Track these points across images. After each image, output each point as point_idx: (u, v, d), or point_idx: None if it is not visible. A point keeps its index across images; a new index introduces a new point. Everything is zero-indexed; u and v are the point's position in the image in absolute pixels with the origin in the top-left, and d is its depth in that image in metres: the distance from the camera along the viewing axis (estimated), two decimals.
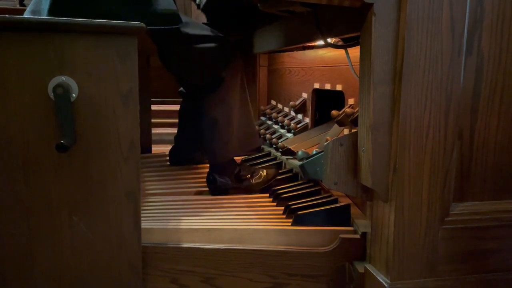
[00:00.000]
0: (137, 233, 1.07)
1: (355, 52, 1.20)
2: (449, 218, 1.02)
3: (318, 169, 1.16)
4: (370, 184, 1.01)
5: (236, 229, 1.19)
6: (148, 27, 1.21)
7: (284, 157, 1.84)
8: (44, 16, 1.17)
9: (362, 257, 1.15)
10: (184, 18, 1.39)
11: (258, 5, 1.22)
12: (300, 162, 1.23)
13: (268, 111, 2.27)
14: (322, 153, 1.11)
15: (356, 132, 1.07)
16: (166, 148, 2.01)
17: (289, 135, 1.92)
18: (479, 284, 1.06)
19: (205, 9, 1.90)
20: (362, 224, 1.19)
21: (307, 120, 1.86)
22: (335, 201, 1.36)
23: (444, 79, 0.96)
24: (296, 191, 1.52)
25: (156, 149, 2.18)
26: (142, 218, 1.08)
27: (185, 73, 1.56)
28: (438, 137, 0.98)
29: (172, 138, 1.89)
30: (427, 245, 1.02)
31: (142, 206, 1.09)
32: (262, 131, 2.15)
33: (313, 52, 1.85)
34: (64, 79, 0.97)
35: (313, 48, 1.86)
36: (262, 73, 2.39)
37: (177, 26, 1.32)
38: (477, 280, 1.05)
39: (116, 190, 1.04)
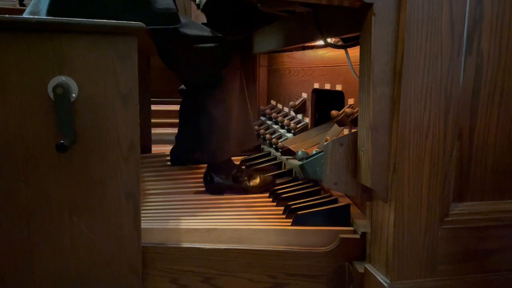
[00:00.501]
0: (137, 233, 1.07)
1: (355, 52, 1.20)
2: (449, 218, 1.02)
3: (318, 169, 1.16)
4: (370, 184, 1.01)
5: (235, 229, 1.19)
6: (147, 27, 1.21)
7: (284, 157, 1.84)
8: (43, 17, 1.17)
9: (362, 257, 1.15)
10: (183, 19, 1.39)
11: (258, 5, 1.22)
12: (300, 162, 1.23)
13: (268, 111, 2.27)
14: (322, 153, 1.11)
15: (356, 132, 1.07)
16: (166, 148, 2.01)
17: (289, 135, 1.92)
18: (479, 284, 1.06)
19: (204, 9, 1.91)
20: (361, 224, 1.19)
21: (307, 120, 1.86)
22: (335, 201, 1.36)
23: (443, 79, 0.96)
24: (296, 191, 1.52)
25: (156, 149, 2.18)
26: (142, 218, 1.08)
27: (184, 72, 1.56)
28: (437, 137, 0.98)
29: (172, 138, 1.89)
30: (427, 245, 1.02)
31: (142, 206, 1.09)
32: (262, 131, 2.15)
33: (313, 52, 1.85)
34: (64, 79, 0.97)
35: (313, 48, 1.86)
36: (262, 73, 2.39)
37: (176, 26, 1.32)
38: (477, 280, 1.06)
39: (116, 190, 1.04)
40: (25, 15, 1.24)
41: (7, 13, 1.00)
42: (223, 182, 1.59)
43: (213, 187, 1.60)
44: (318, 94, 1.84)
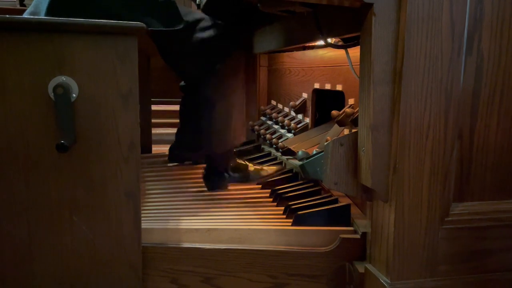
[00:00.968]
0: (137, 233, 1.07)
1: (355, 52, 1.20)
2: (449, 218, 1.02)
3: (318, 169, 1.16)
4: (370, 184, 1.01)
5: (236, 229, 1.19)
6: (149, 28, 1.21)
7: (284, 157, 1.84)
8: (43, 17, 1.17)
9: (362, 257, 1.15)
10: (182, 9, 1.38)
11: (258, 5, 1.22)
12: (300, 162, 1.23)
13: (268, 111, 2.27)
14: (322, 153, 1.11)
15: (356, 132, 1.07)
16: (166, 148, 2.01)
17: (289, 135, 1.92)
18: (479, 284, 1.06)
19: (205, 10, 1.90)
20: (362, 224, 1.19)
21: (307, 120, 1.86)
22: (335, 201, 1.36)
23: (444, 79, 0.96)
24: (296, 191, 1.52)
25: (156, 149, 2.18)
26: (142, 218, 1.08)
27: (185, 66, 1.53)
28: (438, 137, 0.98)
29: (172, 138, 1.89)
30: (427, 245, 1.02)
31: (142, 206, 1.09)
32: (262, 131, 2.15)
33: (313, 52, 1.85)
34: (64, 79, 0.97)
35: (313, 48, 1.86)
36: (262, 73, 2.39)
37: (179, 28, 1.32)
38: (477, 280, 1.05)
39: (116, 190, 1.04)
40: (26, 15, 1.24)
41: (7, 13, 1.00)
42: (224, 177, 1.59)
43: (213, 183, 1.59)
44: (319, 94, 1.84)
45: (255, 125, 2.23)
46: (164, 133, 2.61)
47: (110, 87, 1.00)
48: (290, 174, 1.71)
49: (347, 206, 1.29)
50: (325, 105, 1.81)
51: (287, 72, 2.12)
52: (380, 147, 0.99)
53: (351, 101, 1.46)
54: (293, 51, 2.04)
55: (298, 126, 1.87)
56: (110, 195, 1.03)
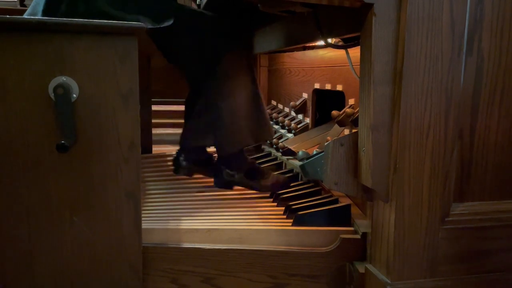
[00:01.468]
0: (138, 233, 1.07)
1: (355, 52, 1.20)
2: (450, 218, 1.02)
3: (318, 169, 1.16)
4: (371, 184, 1.01)
5: (236, 229, 1.19)
6: (148, 27, 1.21)
7: (285, 158, 1.84)
8: (40, 17, 1.17)
9: (363, 257, 1.15)
10: (182, 7, 1.37)
11: (258, 5, 1.22)
12: (301, 162, 1.23)
13: (268, 111, 2.27)
14: (323, 153, 1.11)
15: (357, 133, 1.07)
16: (167, 149, 2.01)
17: (290, 135, 1.92)
18: (479, 284, 1.06)
19: (205, 10, 1.91)
20: (362, 224, 1.19)
21: (308, 120, 1.86)
22: (336, 201, 1.36)
23: (444, 79, 0.96)
24: (296, 191, 1.52)
25: (156, 149, 2.17)
26: (142, 218, 1.08)
27: (187, 64, 1.51)
28: (438, 137, 0.98)
29: (173, 138, 1.88)
30: (428, 245, 1.02)
31: (142, 206, 1.09)
32: None
33: (313, 52, 1.85)
34: (64, 79, 0.97)
35: (314, 48, 1.86)
36: (263, 74, 2.39)
37: (170, 24, 1.31)
38: (478, 280, 1.05)
39: (117, 190, 1.04)
40: (25, 16, 1.25)
41: (7, 14, 1.00)
42: (232, 176, 1.53)
43: (221, 181, 1.55)
44: (319, 94, 1.84)
45: None
46: (164, 133, 2.61)
47: (110, 87, 1.00)
48: (290, 174, 1.71)
49: (348, 206, 1.28)
50: (325, 105, 1.80)
51: (287, 72, 2.12)
52: (380, 147, 0.99)
53: (351, 101, 1.46)
54: (293, 51, 2.04)
55: (299, 126, 1.87)
56: (110, 195, 1.03)
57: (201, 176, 1.73)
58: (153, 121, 2.17)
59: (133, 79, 1.01)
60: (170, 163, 1.88)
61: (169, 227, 1.20)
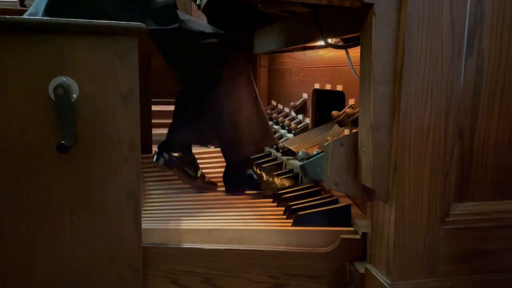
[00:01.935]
0: (138, 233, 1.07)
1: (355, 52, 1.20)
2: (450, 219, 1.02)
3: (318, 169, 1.16)
4: (371, 185, 1.01)
5: (236, 230, 1.19)
6: (148, 28, 1.21)
7: (285, 158, 1.84)
8: (41, 17, 1.17)
9: (363, 258, 1.15)
10: (183, 16, 1.38)
11: (258, 5, 1.23)
12: (301, 163, 1.23)
13: (268, 111, 2.27)
14: (323, 153, 1.11)
15: (357, 133, 1.07)
16: None
17: (290, 135, 1.92)
18: (480, 285, 1.06)
19: (205, 10, 1.91)
20: (362, 224, 1.19)
21: (308, 120, 1.86)
22: (336, 201, 1.36)
23: (444, 79, 0.96)
24: (296, 192, 1.52)
25: (156, 149, 2.17)
26: (142, 218, 1.08)
27: (186, 71, 1.53)
28: (438, 138, 0.98)
29: None
30: (428, 246, 1.02)
31: (142, 206, 1.09)
32: None
33: (313, 52, 1.85)
34: (64, 79, 0.97)
35: (314, 48, 1.86)
36: (263, 74, 2.40)
37: (175, 26, 1.32)
38: (478, 281, 1.05)
39: (117, 190, 1.04)
40: (26, 16, 1.25)
41: (8, 14, 1.00)
42: (241, 182, 1.59)
43: (231, 186, 1.61)
44: (319, 95, 1.84)
45: None
46: (164, 133, 2.60)
47: (110, 87, 1.00)
48: (290, 175, 1.71)
49: (348, 207, 1.28)
50: (326, 105, 1.81)
51: (287, 72, 2.12)
52: (380, 147, 0.99)
53: (351, 101, 1.46)
54: (293, 51, 2.04)
55: (299, 126, 1.87)
56: (110, 195, 1.03)
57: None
58: (153, 121, 2.17)
59: (133, 79, 1.01)
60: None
61: (169, 227, 1.20)
